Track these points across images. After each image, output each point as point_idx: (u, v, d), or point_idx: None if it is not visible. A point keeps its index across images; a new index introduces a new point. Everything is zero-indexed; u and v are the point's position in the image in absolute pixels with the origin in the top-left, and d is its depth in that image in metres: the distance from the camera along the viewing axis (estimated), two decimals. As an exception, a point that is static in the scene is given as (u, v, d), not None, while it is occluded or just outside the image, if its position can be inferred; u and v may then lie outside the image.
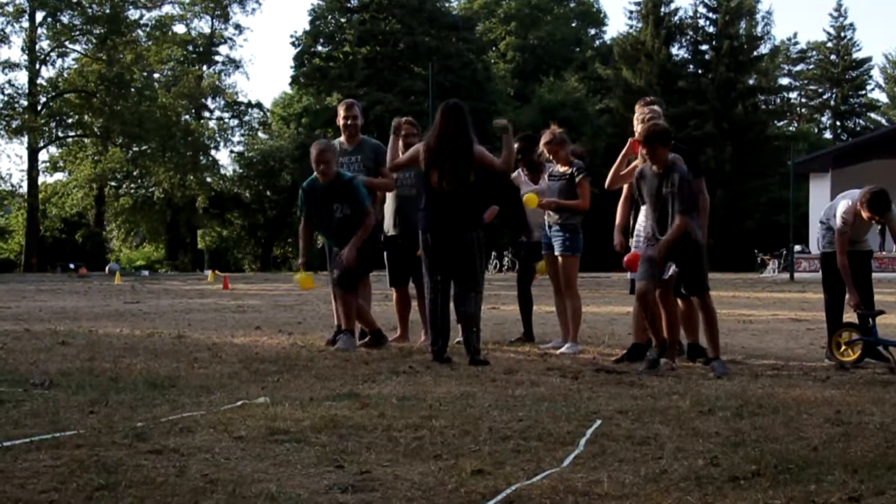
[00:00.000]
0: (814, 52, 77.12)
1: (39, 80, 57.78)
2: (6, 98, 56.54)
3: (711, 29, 63.02)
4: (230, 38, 67.82)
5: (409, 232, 9.00)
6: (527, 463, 4.00)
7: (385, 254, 9.28)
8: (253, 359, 7.76)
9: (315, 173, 8.58)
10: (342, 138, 9.26)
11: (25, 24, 56.83)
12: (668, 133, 7.29)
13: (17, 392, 5.77)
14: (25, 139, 56.70)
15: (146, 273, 47.70)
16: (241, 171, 66.13)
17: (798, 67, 77.98)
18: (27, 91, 57.01)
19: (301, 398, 5.64)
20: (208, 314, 13.78)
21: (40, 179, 59.63)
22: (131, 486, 3.55)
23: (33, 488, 3.50)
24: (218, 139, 65.74)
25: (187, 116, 64.81)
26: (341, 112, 9.30)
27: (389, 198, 9.30)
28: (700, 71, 63.23)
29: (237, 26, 70.44)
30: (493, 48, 72.74)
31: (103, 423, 4.76)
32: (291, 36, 67.75)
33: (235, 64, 68.61)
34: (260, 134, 68.75)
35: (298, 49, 61.84)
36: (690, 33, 63.84)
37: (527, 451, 4.22)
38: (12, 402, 5.37)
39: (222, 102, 67.70)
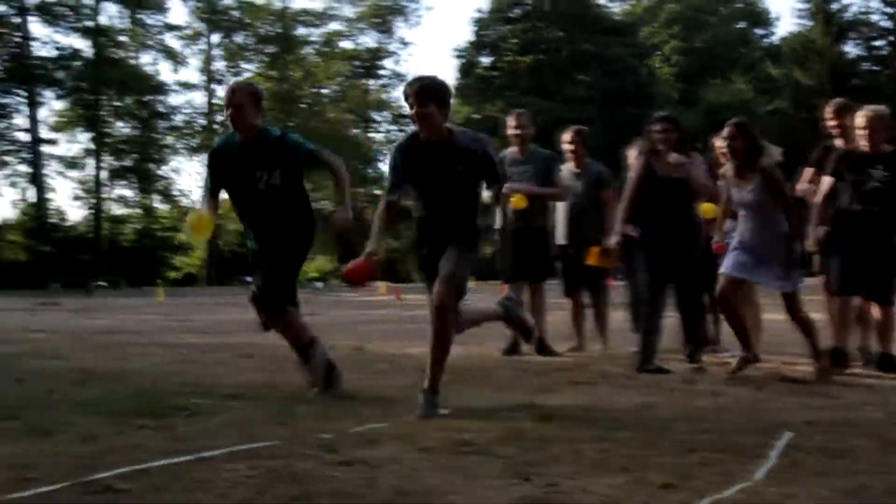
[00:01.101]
0: None
1: (215, 100, 60.12)
2: (186, 118, 59.10)
3: (887, 24, 60.61)
4: (395, 53, 69.04)
5: (580, 241, 8.97)
6: (716, 476, 3.90)
7: (560, 264, 9.26)
8: (430, 370, 7.82)
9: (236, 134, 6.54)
10: (513, 149, 9.22)
11: (203, 46, 59.36)
12: (446, 90, 5.76)
13: (207, 403, 5.96)
14: (204, 158, 59.11)
15: (319, 285, 48.75)
16: (408, 183, 67.01)
17: None
18: (206, 111, 59.46)
19: (481, 409, 5.67)
20: (383, 325, 14.01)
21: (219, 196, 62.00)
22: (324, 496, 3.62)
23: (233, 498, 3.61)
24: (385, 152, 66.95)
25: (356, 130, 66.20)
26: (511, 122, 9.20)
27: (561, 207, 9.26)
28: (876, 67, 60.88)
29: (402, 41, 71.62)
30: (657, 52, 71.75)
31: (293, 434, 4.89)
32: (455, 49, 68.35)
33: (400, 77, 69.78)
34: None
35: (463, 60, 62.43)
36: (864, 29, 61.60)
37: (715, 464, 4.12)
38: (205, 414, 5.57)
39: (388, 115, 68.88)
